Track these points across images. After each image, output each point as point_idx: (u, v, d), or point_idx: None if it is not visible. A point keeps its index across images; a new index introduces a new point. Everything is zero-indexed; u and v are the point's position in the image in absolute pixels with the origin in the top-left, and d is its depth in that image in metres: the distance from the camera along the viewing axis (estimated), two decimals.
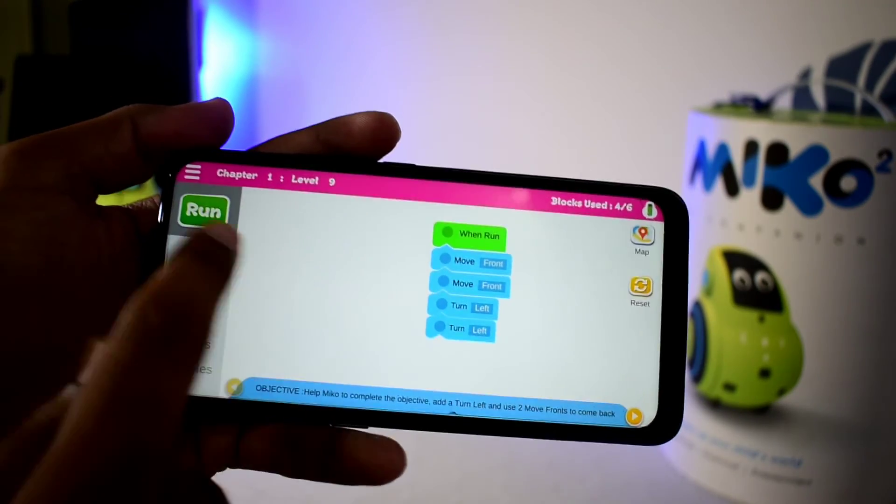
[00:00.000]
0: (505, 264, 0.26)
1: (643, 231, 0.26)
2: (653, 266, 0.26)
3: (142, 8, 0.90)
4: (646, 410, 0.26)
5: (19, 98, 0.89)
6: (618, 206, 0.27)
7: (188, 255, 0.19)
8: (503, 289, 0.26)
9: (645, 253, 0.26)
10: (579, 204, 0.26)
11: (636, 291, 0.26)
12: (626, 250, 0.26)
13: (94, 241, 0.24)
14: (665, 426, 0.26)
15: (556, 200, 0.26)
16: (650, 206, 0.27)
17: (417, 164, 0.26)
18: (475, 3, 0.80)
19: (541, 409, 0.25)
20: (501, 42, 0.80)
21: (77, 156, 0.23)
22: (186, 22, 0.88)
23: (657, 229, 0.26)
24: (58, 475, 0.15)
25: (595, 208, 0.26)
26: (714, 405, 0.50)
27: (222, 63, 0.99)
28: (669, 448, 0.54)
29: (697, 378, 0.51)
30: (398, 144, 0.26)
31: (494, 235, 0.26)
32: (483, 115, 0.82)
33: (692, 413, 0.52)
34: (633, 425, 0.26)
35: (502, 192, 0.26)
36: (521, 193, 0.26)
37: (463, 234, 0.26)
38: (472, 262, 0.26)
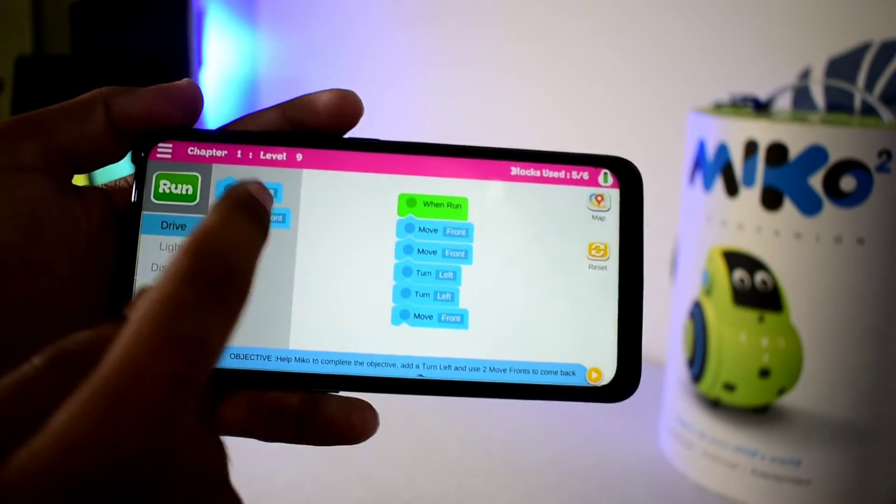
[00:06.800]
0: (467, 232, 0.27)
1: (599, 198, 0.28)
2: (609, 231, 0.27)
3: (142, 8, 0.90)
4: (605, 369, 0.27)
5: (19, 98, 0.89)
6: (574, 175, 0.28)
7: (232, 207, 0.19)
8: (466, 256, 0.27)
9: (601, 219, 0.27)
10: (538, 173, 0.28)
11: (594, 256, 0.27)
12: (584, 216, 0.27)
13: (72, 219, 0.24)
14: (624, 384, 0.27)
15: (515, 170, 0.28)
16: (605, 173, 0.28)
17: (382, 138, 0.27)
18: (475, 2, 0.80)
19: (504, 371, 0.26)
20: (501, 41, 0.80)
21: (52, 136, 0.24)
22: (186, 22, 0.89)
23: (613, 196, 0.28)
24: (105, 400, 0.15)
25: (553, 177, 0.28)
26: (714, 405, 0.50)
27: (222, 63, 0.99)
28: (669, 448, 0.54)
29: (697, 378, 0.51)
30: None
31: (457, 205, 0.27)
32: (482, 115, 0.82)
33: (692, 413, 0.52)
34: (593, 383, 0.27)
35: (464, 164, 0.27)
36: (482, 164, 0.27)
37: (426, 204, 0.27)
38: (435, 230, 0.27)
